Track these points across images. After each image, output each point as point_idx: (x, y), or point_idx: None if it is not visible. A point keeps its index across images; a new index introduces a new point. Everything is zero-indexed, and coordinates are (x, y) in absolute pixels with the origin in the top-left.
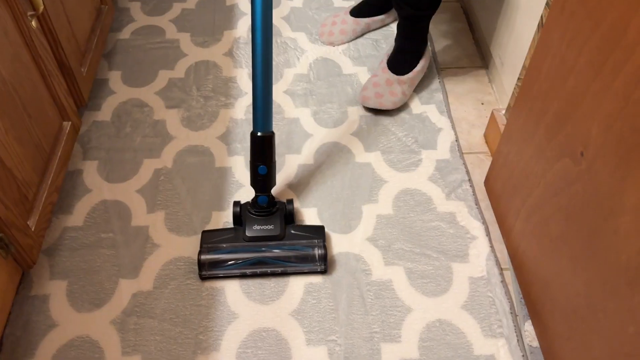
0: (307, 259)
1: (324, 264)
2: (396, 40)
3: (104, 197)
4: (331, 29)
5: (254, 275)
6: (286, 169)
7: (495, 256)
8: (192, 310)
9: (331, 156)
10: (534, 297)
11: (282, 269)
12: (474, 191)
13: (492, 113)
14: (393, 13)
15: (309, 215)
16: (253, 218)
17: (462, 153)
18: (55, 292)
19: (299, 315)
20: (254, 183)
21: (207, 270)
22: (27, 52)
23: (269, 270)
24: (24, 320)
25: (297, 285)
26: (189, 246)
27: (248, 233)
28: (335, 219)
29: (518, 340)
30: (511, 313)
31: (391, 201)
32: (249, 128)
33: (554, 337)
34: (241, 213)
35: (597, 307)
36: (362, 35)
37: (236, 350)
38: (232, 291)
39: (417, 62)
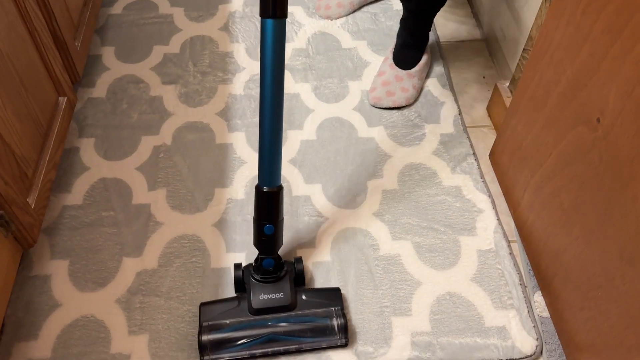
0: (326, 331)
1: (344, 337)
2: (400, 35)
3: (103, 175)
4: (328, 2)
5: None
6: (289, 144)
7: (503, 229)
8: (199, 289)
9: (334, 131)
10: (544, 268)
11: (296, 345)
12: (479, 165)
13: (496, 86)
14: None
15: (314, 192)
16: (258, 285)
17: (466, 127)
18: (57, 272)
19: None
20: (257, 244)
21: (211, 354)
22: (22, 23)
23: (282, 349)
24: (25, 301)
25: (305, 262)
26: (193, 223)
27: (254, 304)
28: (341, 195)
29: (529, 311)
30: (520, 284)
31: (396, 176)
32: (248, 104)
33: (565, 307)
34: (244, 278)
35: (615, 274)
36: (359, 8)
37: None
38: None
39: (422, 55)
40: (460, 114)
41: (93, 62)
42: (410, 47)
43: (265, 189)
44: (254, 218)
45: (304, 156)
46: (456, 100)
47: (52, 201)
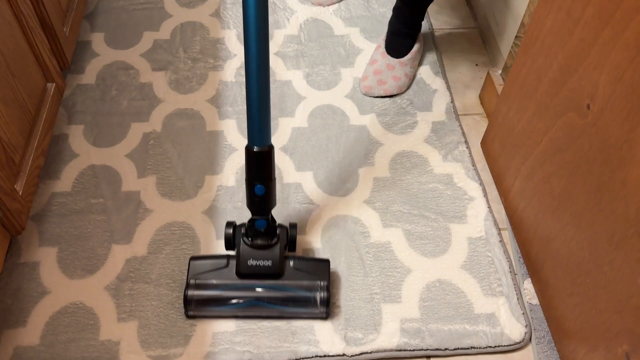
0: (308, 303)
1: (325, 310)
2: (392, 23)
3: (92, 162)
4: None
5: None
6: (280, 132)
7: (493, 216)
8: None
9: (325, 119)
10: (534, 256)
11: (278, 313)
12: (470, 152)
13: (488, 73)
14: None
15: (305, 179)
16: (248, 250)
17: (458, 114)
18: (46, 259)
19: None
20: (250, 204)
21: (195, 310)
22: (7, 7)
23: (264, 314)
24: (13, 288)
25: (297, 249)
26: (182, 211)
27: (242, 269)
28: (332, 182)
29: (518, 298)
30: (510, 272)
31: (387, 163)
32: (239, 91)
33: (554, 293)
34: (234, 237)
35: (604, 260)
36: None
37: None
38: None
39: (414, 43)
40: (452, 101)
41: (82, 48)
42: (403, 35)
43: (255, 148)
44: (245, 178)
45: (295, 143)
46: (448, 88)
47: (41, 188)
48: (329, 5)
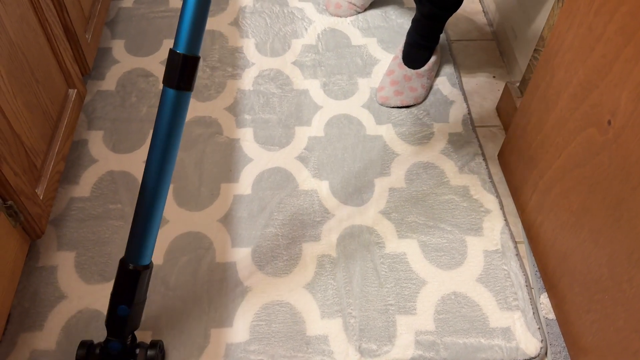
0: None
1: None
2: (410, 35)
3: (111, 168)
4: (338, 1)
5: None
6: (296, 141)
7: (510, 229)
8: (204, 285)
9: (342, 128)
10: (550, 270)
11: None
12: (487, 165)
13: (506, 85)
14: None
15: (321, 188)
16: None
17: (475, 126)
18: (63, 264)
19: (313, 288)
20: (108, 323)
21: None
22: (33, 15)
23: None
24: (31, 292)
25: (311, 259)
26: (198, 220)
27: None
28: (348, 192)
29: (534, 312)
30: (526, 286)
31: (404, 174)
32: (257, 99)
33: (571, 309)
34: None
35: (622, 277)
36: (370, 6)
37: (250, 324)
38: (245, 264)
39: (431, 54)
40: (469, 113)
41: (103, 54)
42: (421, 47)
43: (130, 266)
44: (111, 293)
45: (311, 152)
46: (465, 100)
47: (60, 192)
48: (347, 17)
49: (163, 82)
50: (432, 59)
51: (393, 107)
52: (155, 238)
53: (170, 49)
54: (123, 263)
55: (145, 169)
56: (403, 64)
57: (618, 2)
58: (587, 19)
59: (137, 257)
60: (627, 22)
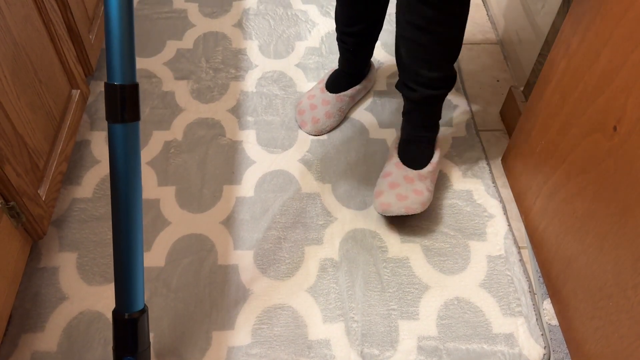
0: None
1: None
2: (404, 129)
3: None
4: (313, 114)
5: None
6: (300, 143)
7: (513, 235)
8: (206, 288)
9: (345, 131)
10: (554, 276)
11: None
12: (490, 169)
13: (510, 90)
14: (372, 76)
15: (324, 191)
16: None
17: (478, 130)
18: (65, 265)
19: (315, 292)
20: None
21: None
22: (37, 15)
23: None
24: (33, 293)
25: (313, 262)
26: (200, 222)
27: None
28: (351, 195)
29: (537, 318)
30: (530, 291)
31: None
32: (260, 101)
33: (575, 315)
34: None
35: (627, 284)
36: (349, 111)
37: (251, 327)
38: (247, 267)
39: (434, 149)
40: (472, 117)
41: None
42: (420, 141)
43: (125, 315)
44: (112, 347)
45: (314, 155)
46: (469, 104)
47: (62, 193)
48: (329, 131)
49: (107, 119)
50: (435, 157)
51: (395, 216)
52: (143, 279)
53: (106, 83)
54: (117, 314)
55: (112, 215)
56: (401, 163)
57: (625, 8)
58: (593, 24)
59: (129, 304)
60: (634, 28)
